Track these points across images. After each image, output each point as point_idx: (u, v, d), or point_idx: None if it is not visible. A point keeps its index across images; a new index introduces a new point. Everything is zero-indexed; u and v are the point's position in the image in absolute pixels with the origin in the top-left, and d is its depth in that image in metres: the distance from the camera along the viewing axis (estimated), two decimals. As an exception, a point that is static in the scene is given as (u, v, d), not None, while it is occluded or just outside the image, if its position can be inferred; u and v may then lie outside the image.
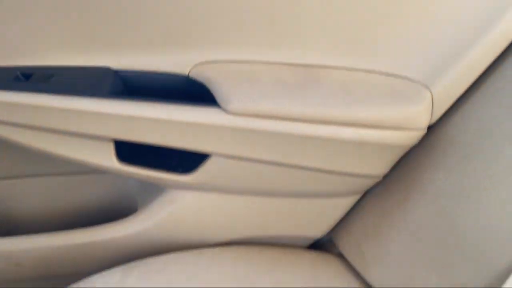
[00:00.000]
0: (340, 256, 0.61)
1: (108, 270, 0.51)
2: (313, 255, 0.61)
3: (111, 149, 0.53)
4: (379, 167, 0.53)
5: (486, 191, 0.46)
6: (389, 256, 0.54)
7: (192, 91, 0.52)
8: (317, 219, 0.60)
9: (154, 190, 0.61)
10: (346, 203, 0.59)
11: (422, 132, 0.51)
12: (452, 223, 0.48)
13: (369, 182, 0.56)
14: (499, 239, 0.45)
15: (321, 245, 0.66)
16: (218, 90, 0.50)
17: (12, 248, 0.58)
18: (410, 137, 0.50)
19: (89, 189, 0.67)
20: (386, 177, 0.57)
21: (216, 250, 0.57)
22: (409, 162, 0.55)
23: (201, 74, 0.51)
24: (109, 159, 0.53)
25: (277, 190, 0.56)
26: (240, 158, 0.52)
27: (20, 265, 0.59)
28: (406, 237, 0.52)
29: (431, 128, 0.53)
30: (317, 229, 0.61)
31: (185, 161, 0.55)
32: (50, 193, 0.67)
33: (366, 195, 0.60)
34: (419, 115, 0.50)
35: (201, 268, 0.54)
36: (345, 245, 0.60)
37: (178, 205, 0.57)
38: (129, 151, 0.55)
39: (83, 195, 0.67)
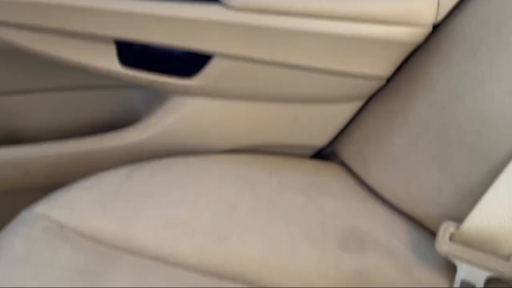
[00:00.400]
0: (343, 165, 0.62)
1: (115, 169, 0.52)
2: (316, 163, 0.62)
3: (113, 51, 0.53)
4: (383, 66, 0.53)
5: (490, 82, 0.46)
6: (390, 157, 0.54)
7: None
8: (320, 127, 0.60)
9: (158, 102, 0.61)
10: (349, 109, 0.59)
11: (428, 28, 0.50)
12: (454, 118, 0.48)
13: (373, 85, 0.55)
14: (499, 128, 0.45)
15: (324, 157, 0.67)
16: None
17: (21, 156, 0.59)
18: (415, 34, 0.50)
19: (94, 105, 0.68)
20: (389, 81, 0.57)
21: (221, 155, 0.58)
22: (413, 63, 0.54)
23: None
24: (111, 62, 0.53)
25: (281, 94, 0.56)
26: (243, 59, 0.52)
27: (29, 174, 0.61)
28: (408, 137, 0.53)
29: (436, 28, 0.52)
30: (320, 138, 0.61)
31: (188, 66, 0.55)
32: (55, 109, 0.67)
33: (369, 102, 0.60)
34: (424, 10, 0.49)
35: (205, 169, 0.55)
36: (347, 153, 0.61)
37: (183, 112, 0.58)
38: (132, 57, 0.55)
39: (88, 111, 0.68)
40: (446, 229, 0.47)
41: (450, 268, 0.48)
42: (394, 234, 0.52)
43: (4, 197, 0.63)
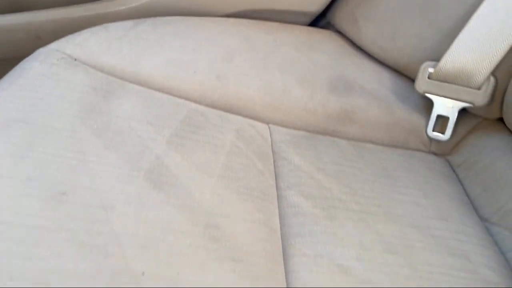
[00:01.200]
0: (338, 32, 0.65)
1: (121, 21, 0.56)
2: (310, 28, 0.65)
3: None
4: None
5: None
6: (379, 14, 0.58)
7: None
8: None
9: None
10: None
11: None
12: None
13: None
14: None
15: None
16: None
17: (31, 20, 0.63)
18: None
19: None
20: None
21: (219, 18, 0.61)
22: None
23: None
24: None
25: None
26: None
27: (40, 38, 0.64)
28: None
29: None
30: (315, 2, 0.64)
31: None
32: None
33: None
34: None
35: (204, 26, 0.58)
36: (341, 17, 0.64)
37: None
38: None
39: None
40: (425, 68, 0.51)
41: (428, 107, 0.53)
42: (380, 82, 0.56)
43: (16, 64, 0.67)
